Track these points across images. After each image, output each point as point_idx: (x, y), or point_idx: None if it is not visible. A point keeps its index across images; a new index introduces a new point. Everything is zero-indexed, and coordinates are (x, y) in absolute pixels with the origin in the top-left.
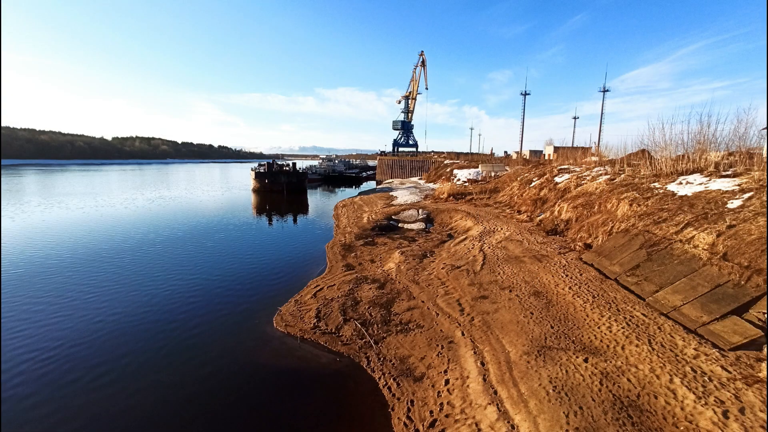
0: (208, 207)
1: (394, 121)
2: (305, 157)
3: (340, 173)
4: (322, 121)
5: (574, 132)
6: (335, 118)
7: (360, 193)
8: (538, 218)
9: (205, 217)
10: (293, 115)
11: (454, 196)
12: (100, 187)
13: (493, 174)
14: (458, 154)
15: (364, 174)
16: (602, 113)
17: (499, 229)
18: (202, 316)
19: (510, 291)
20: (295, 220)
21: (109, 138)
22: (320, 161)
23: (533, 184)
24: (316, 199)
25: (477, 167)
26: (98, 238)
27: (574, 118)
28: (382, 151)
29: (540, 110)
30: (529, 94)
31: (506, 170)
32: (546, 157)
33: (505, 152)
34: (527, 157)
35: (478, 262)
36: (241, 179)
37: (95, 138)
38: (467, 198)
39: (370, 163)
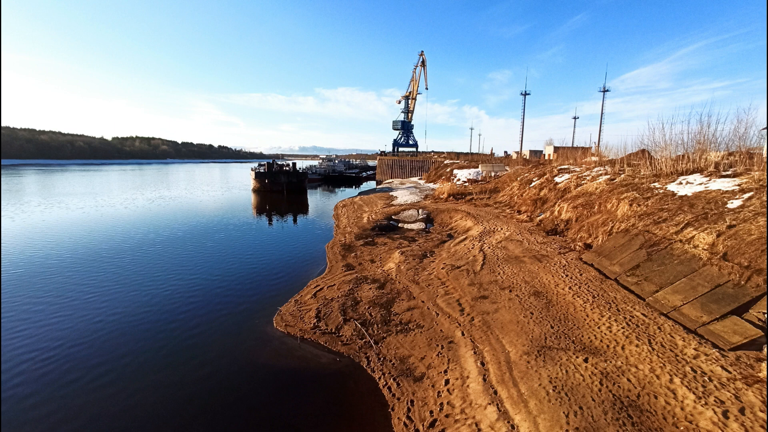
0: (208, 207)
1: (394, 121)
2: (305, 157)
3: (340, 173)
4: (322, 121)
5: (574, 132)
6: (335, 118)
7: (360, 193)
8: (538, 218)
9: (205, 217)
10: (293, 115)
11: (454, 196)
12: (100, 187)
13: (493, 174)
14: (458, 154)
15: (364, 174)
16: (602, 113)
17: (499, 229)
18: (202, 316)
19: (510, 291)
20: (295, 220)
21: (109, 138)
22: (320, 161)
23: (533, 184)
24: (316, 199)
25: (477, 167)
26: (98, 238)
27: (574, 118)
28: (382, 151)
29: (540, 110)
30: (529, 94)
31: (506, 170)
32: (546, 157)
33: (505, 152)
34: (527, 157)
35: (478, 262)
36: (241, 179)
37: (95, 138)
38: (467, 198)
39: (370, 163)
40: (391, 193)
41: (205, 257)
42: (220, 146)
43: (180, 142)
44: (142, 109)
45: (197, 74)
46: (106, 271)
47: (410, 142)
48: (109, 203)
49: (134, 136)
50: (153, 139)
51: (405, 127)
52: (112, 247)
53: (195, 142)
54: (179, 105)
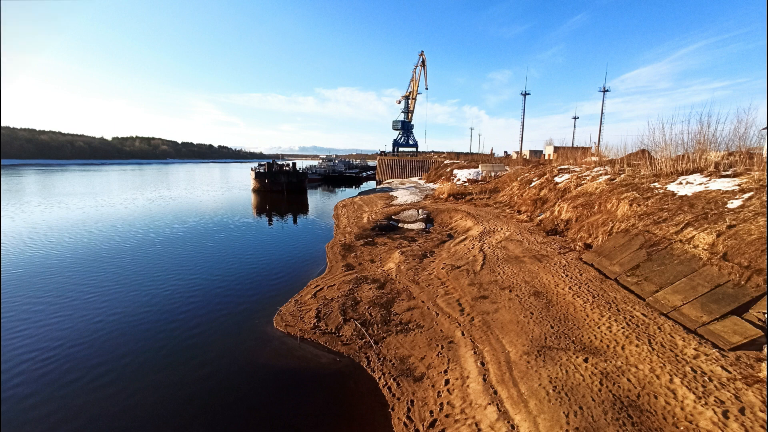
0: (207, 207)
1: (394, 121)
2: (305, 157)
3: (340, 173)
4: (322, 121)
5: (574, 132)
6: (335, 118)
7: (360, 193)
8: (538, 218)
9: (204, 217)
10: (293, 115)
11: (454, 196)
12: (100, 187)
13: (493, 174)
14: (458, 154)
15: (364, 174)
16: (602, 113)
17: (499, 229)
18: (202, 316)
19: (510, 291)
20: (295, 220)
21: (109, 138)
22: (320, 161)
23: (533, 184)
24: (316, 199)
25: (477, 167)
26: (98, 238)
27: (574, 118)
28: (382, 151)
29: (540, 110)
30: (529, 94)
31: (506, 170)
32: (546, 157)
33: (505, 152)
34: (527, 157)
35: (478, 262)
36: (241, 179)
37: (95, 138)
38: (467, 198)
39: (370, 163)
40: (391, 193)
41: (205, 257)
42: (220, 146)
43: (180, 142)
44: (142, 109)
45: (197, 74)
46: (106, 271)
47: (410, 142)
48: (109, 203)
49: (134, 136)
50: (153, 139)
51: (405, 127)
52: (112, 247)
53: (195, 142)
54: (179, 105)
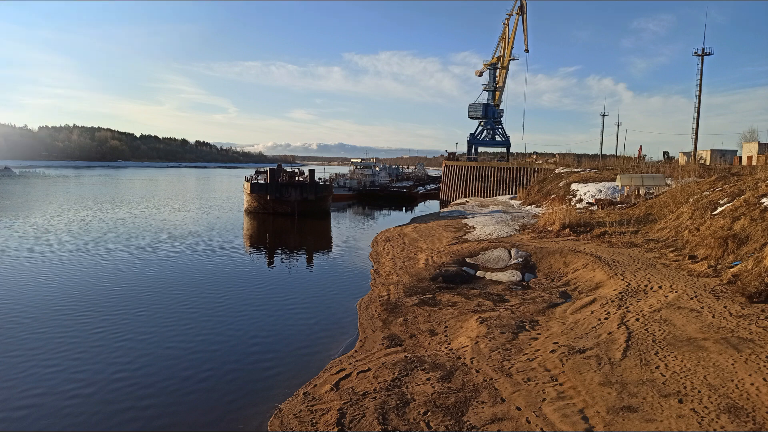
0: (171, 238)
1: (471, 105)
2: (328, 161)
3: (383, 187)
4: (354, 106)
5: None
6: (375, 100)
7: (414, 220)
8: (731, 270)
9: (169, 257)
10: (310, 96)
11: (573, 229)
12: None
13: (642, 191)
14: (579, 158)
15: (421, 189)
16: None
17: (656, 286)
18: (154, 418)
19: (680, 401)
20: (309, 260)
21: (35, 128)
22: (352, 168)
23: (720, 209)
24: (344, 226)
25: (613, 180)
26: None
27: None
28: (450, 153)
29: (730, 80)
30: (710, 53)
31: (668, 185)
32: (744, 162)
33: (665, 154)
34: (707, 163)
35: (618, 345)
36: (229, 193)
37: (14, 128)
38: (596, 232)
39: (431, 171)
40: (464, 221)
41: (166, 319)
42: (198, 142)
43: (139, 136)
44: (82, 84)
45: (164, 31)
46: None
47: (497, 137)
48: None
49: (71, 125)
50: (98, 130)
51: (489, 113)
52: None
53: (161, 137)
54: (138, 79)
